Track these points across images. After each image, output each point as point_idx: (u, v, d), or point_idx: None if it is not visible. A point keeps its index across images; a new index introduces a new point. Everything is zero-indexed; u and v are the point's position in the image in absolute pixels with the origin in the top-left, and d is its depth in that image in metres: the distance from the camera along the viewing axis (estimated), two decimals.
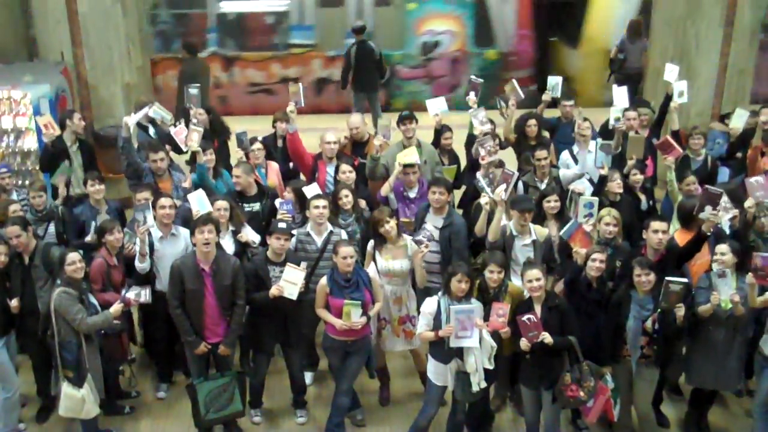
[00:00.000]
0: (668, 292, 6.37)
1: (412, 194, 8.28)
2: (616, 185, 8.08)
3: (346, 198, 7.82)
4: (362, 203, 8.17)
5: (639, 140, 8.64)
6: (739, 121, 9.46)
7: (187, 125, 8.75)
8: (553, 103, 10.04)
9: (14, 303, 7.05)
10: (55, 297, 6.60)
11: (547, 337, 6.31)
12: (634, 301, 6.66)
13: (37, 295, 7.16)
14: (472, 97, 9.42)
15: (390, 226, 7.17)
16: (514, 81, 9.75)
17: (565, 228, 7.18)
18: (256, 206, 8.21)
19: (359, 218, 7.90)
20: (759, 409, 6.98)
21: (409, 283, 7.41)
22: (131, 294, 6.86)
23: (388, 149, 8.76)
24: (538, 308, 6.46)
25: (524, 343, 6.36)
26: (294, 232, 7.47)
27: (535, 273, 6.49)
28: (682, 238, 7.38)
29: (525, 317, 6.30)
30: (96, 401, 6.83)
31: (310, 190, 7.88)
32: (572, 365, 6.51)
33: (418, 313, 6.95)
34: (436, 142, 9.24)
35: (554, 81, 9.92)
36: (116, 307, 6.81)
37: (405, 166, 8.12)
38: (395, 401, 7.81)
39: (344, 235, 7.53)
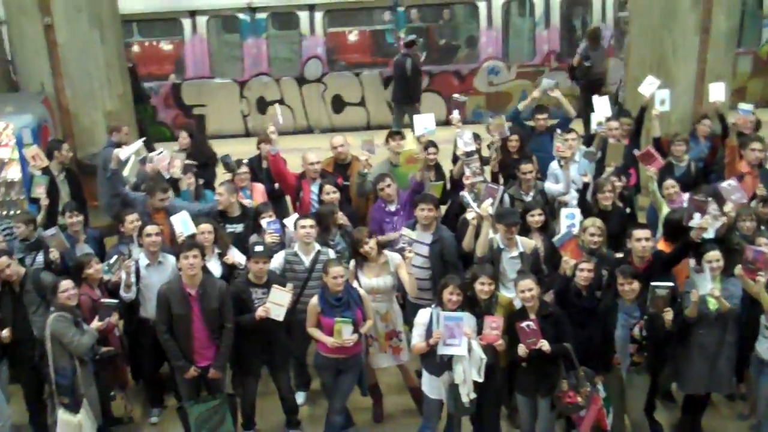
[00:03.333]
0: (655, 297, 6.41)
1: (392, 207, 8.31)
2: (604, 196, 8.06)
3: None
4: (345, 220, 8.13)
5: (618, 147, 8.69)
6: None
7: None
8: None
9: (5, 333, 6.98)
10: (51, 322, 6.59)
11: (545, 344, 6.32)
12: (620, 310, 6.68)
13: (31, 320, 7.11)
14: (455, 115, 9.41)
15: (370, 246, 7.18)
16: (502, 116, 9.57)
17: (558, 236, 7.20)
18: (240, 227, 8.19)
19: (344, 235, 7.90)
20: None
21: (394, 298, 7.44)
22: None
23: (375, 167, 8.76)
24: (532, 318, 6.45)
25: (522, 350, 6.35)
26: (282, 252, 7.49)
27: (527, 283, 6.49)
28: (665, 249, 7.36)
29: (524, 324, 6.31)
30: (93, 427, 6.81)
31: (291, 221, 7.83)
32: (568, 372, 6.52)
33: (407, 327, 6.94)
34: None
35: (548, 83, 9.85)
36: (95, 323, 6.80)
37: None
38: (388, 418, 7.79)
39: (332, 254, 7.52)
